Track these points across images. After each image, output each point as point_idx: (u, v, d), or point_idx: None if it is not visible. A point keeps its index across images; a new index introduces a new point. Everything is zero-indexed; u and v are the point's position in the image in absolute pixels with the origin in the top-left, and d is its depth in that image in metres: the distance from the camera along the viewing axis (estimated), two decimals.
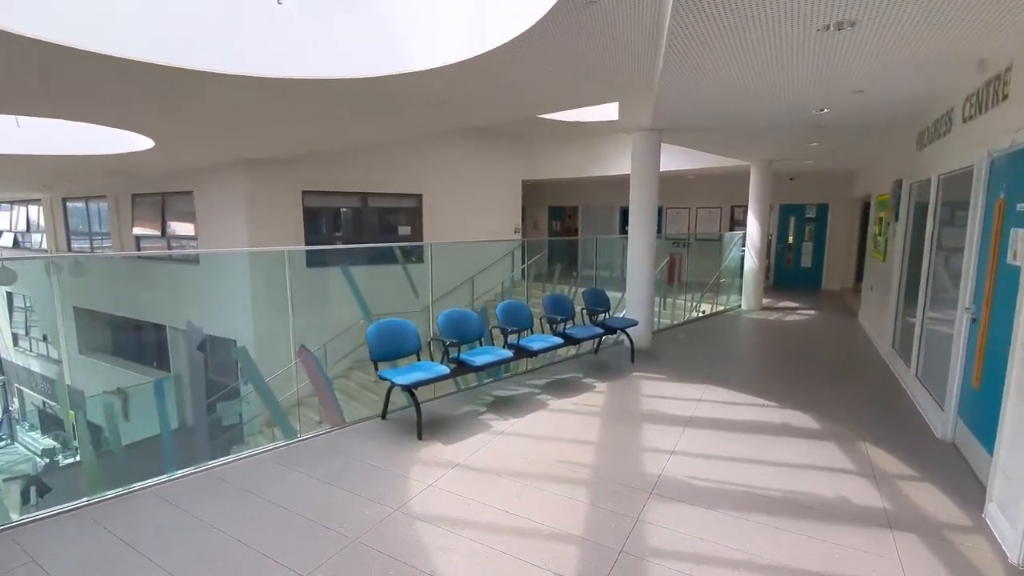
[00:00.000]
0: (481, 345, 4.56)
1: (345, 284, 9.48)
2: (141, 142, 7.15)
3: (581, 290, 6.08)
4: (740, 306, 9.59)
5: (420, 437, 3.71)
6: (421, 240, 10.71)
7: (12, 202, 15.42)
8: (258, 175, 8.96)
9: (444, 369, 3.87)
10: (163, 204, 10.71)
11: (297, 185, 9.36)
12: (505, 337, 4.70)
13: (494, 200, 11.59)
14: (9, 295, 16.54)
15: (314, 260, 9.68)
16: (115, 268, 12.04)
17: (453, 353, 4.21)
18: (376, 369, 3.94)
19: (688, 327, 8.12)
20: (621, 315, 6.19)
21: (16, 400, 17.62)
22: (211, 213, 9.62)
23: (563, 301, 5.52)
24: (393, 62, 4.42)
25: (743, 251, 9.63)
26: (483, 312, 6.01)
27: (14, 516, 2.92)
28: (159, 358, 12.30)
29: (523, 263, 12.14)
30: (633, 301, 6.13)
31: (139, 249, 11.51)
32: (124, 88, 4.21)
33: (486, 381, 5.06)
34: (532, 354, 4.60)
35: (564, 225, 15.38)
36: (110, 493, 2.98)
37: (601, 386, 4.93)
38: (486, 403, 4.48)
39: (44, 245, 14.36)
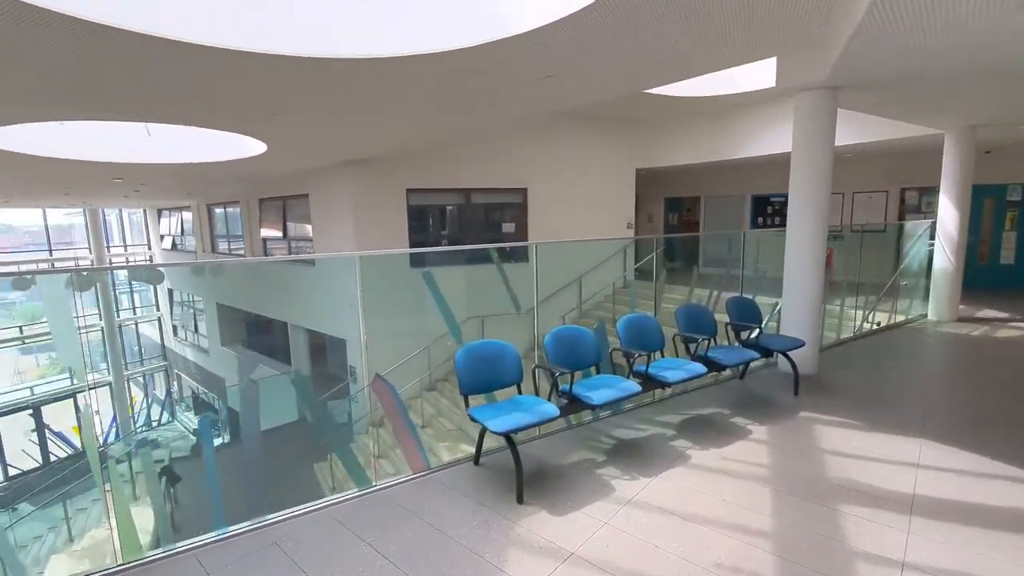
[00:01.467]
0: (598, 372, 3.63)
1: (435, 288, 9.05)
2: (255, 147, 7.20)
3: (726, 296, 4.82)
4: (927, 316, 7.53)
5: (520, 500, 2.89)
6: (526, 237, 9.97)
7: (171, 209, 17.41)
8: (363, 175, 8.81)
9: (552, 410, 3.01)
10: (284, 207, 11.14)
11: (401, 183, 9.09)
12: (629, 363, 3.72)
13: (605, 192, 10.50)
14: (170, 291, 18.81)
15: (419, 261, 9.39)
16: (248, 268, 12.90)
17: (564, 384, 3.34)
18: (466, 405, 3.18)
19: (861, 344, 6.39)
20: (766, 326, 4.85)
21: (176, 383, 20.09)
22: (323, 215, 9.72)
23: (702, 315, 4.36)
24: (494, 28, 3.65)
25: (931, 245, 7.54)
26: (600, 330, 5.00)
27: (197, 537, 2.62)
28: (283, 353, 13.03)
29: (636, 262, 10.92)
30: (792, 312, 4.75)
31: (266, 250, 12.16)
32: (240, 86, 3.90)
33: (603, 415, 4.11)
34: (665, 386, 3.58)
35: (682, 218, 13.76)
36: None
37: (758, 430, 3.73)
38: (604, 448, 3.54)
39: (194, 247, 15.96)
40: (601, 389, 3.27)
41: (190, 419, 18.64)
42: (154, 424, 19.85)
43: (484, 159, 9.51)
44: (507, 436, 2.89)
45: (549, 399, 3.26)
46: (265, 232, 11.96)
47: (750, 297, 4.67)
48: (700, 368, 3.71)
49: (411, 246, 9.30)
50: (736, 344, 4.34)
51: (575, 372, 3.42)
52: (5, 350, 17.24)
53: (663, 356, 3.89)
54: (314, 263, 10.20)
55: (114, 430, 19.07)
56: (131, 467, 10.51)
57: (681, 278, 10.72)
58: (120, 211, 19.64)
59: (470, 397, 3.19)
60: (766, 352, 4.22)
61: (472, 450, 3.42)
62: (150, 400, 20.96)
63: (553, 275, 10.11)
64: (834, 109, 4.28)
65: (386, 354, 9.26)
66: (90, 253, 18.19)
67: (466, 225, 9.75)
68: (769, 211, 11.41)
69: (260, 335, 14.98)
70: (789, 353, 4.23)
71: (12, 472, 16.40)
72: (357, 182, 8.81)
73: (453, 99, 4.84)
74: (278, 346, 13.51)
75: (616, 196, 10.60)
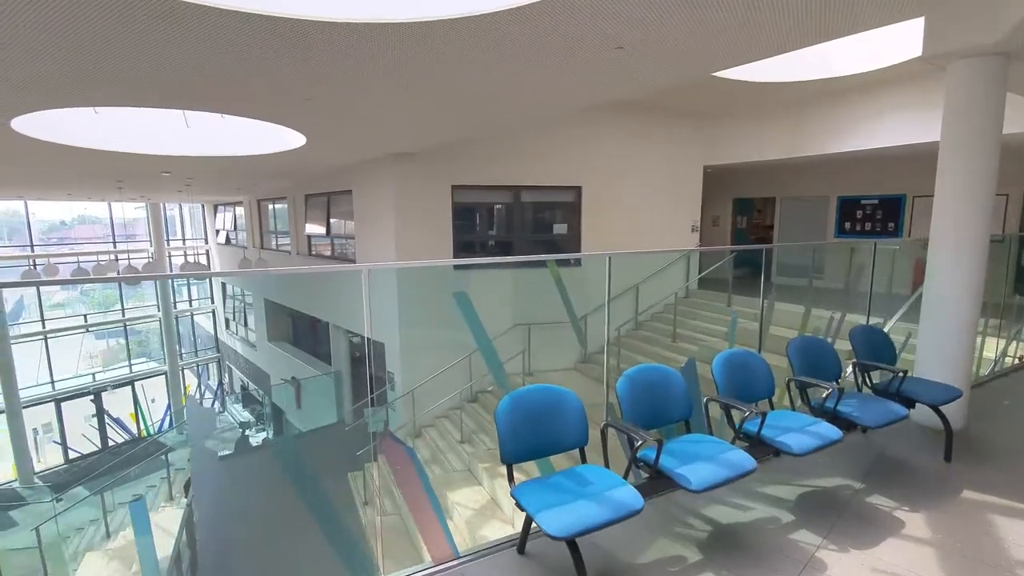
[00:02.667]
0: (688, 431, 2.70)
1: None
2: (294, 139, 6.79)
3: (855, 322, 3.80)
4: None
5: None
6: (579, 239, 9.17)
7: (226, 204, 17.69)
8: (407, 170, 8.28)
9: (633, 500, 2.08)
10: (328, 203, 10.83)
11: (446, 180, 8.50)
12: (732, 420, 2.76)
13: (667, 191, 9.53)
14: (223, 284, 19.17)
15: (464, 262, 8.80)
16: (292, 264, 12.75)
17: (645, 450, 2.40)
18: (509, 479, 2.32)
19: (1007, 384, 5.01)
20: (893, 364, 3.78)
21: (227, 375, 20.50)
22: (366, 211, 9.28)
23: (822, 351, 3.30)
24: None
25: None
26: (689, 369, 4.00)
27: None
28: (324, 352, 12.81)
29: (700, 270, 9.88)
30: (934, 347, 3.69)
31: (310, 247, 11.92)
32: (270, 62, 3.37)
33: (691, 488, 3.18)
34: (782, 454, 2.63)
35: (752, 221, 12.53)
36: None
37: (910, 520, 2.69)
38: (696, 538, 2.61)
39: (245, 241, 16.09)
40: (699, 463, 2.33)
41: (238, 411, 18.93)
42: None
43: (536, 155, 8.78)
44: (571, 542, 2.07)
45: (627, 473, 2.40)
46: (310, 228, 11.72)
47: (877, 328, 3.65)
48: (834, 433, 2.64)
49: (455, 247, 8.70)
50: (866, 390, 3.33)
51: (658, 429, 2.52)
52: (74, 335, 18.02)
53: (770, 405, 2.96)
54: (355, 261, 9.79)
55: (168, 418, 19.65)
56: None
57: (749, 287, 9.62)
58: (180, 206, 20.23)
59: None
60: (908, 402, 3.17)
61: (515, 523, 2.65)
62: (203, 390, 21.54)
63: (601, 281, 9.25)
64: (1003, 83, 3.25)
65: (425, 362, 8.73)
66: (150, 246, 18.79)
67: (514, 225, 9.05)
68: (859, 215, 10.07)
69: (305, 333, 14.88)
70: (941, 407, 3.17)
71: (72, 456, 17.09)
72: (400, 177, 8.28)
73: (505, 78, 4.14)
74: (321, 345, 13.32)
75: (680, 196, 9.61)
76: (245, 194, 14.79)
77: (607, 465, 2.43)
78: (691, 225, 9.70)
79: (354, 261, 9.81)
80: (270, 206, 14.04)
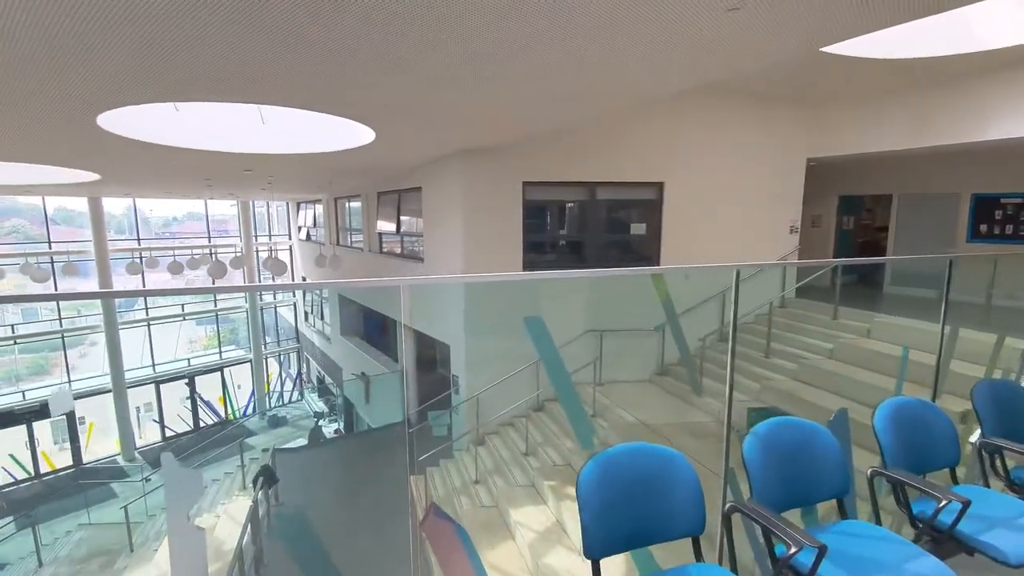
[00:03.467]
0: (843, 514, 1.90)
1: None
2: (364, 134, 6.62)
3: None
4: None
5: None
6: (659, 240, 8.40)
7: (307, 202, 18.39)
8: (476, 166, 7.92)
9: None
10: (399, 201, 10.76)
11: (517, 176, 8.06)
12: (905, 505, 1.93)
13: (762, 187, 8.50)
14: (303, 278, 19.99)
15: (534, 263, 8.33)
16: (363, 261, 12.90)
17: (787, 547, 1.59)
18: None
19: None
20: None
21: (305, 366, 21.41)
22: (434, 208, 9.06)
23: (1019, 401, 2.34)
24: None
25: None
26: (839, 425, 2.93)
27: None
28: (393, 348, 12.86)
29: (798, 278, 8.75)
30: None
31: (381, 245, 11.96)
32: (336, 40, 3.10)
33: None
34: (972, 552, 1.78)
35: (861, 222, 11.06)
36: None
37: None
38: None
39: (323, 238, 16.60)
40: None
41: (314, 401, 19.69)
42: (284, 402, 21.36)
43: (614, 149, 8.12)
44: None
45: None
46: (381, 226, 11.74)
47: None
48: None
49: (525, 247, 8.24)
50: None
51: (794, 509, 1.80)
52: (172, 323, 19.52)
53: (953, 477, 2.14)
54: (423, 260, 9.62)
55: (252, 404, 20.83)
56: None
57: (857, 298, 8.38)
58: (267, 204, 21.35)
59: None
60: None
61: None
62: (283, 378, 22.67)
63: (687, 286, 8.43)
64: None
65: (491, 366, 8.36)
66: (240, 242, 19.96)
67: (588, 224, 8.45)
68: (998, 216, 8.51)
69: (374, 329, 15.10)
70: None
71: (168, 434, 18.49)
72: (468, 173, 7.95)
73: (598, 62, 3.59)
74: (390, 342, 13.41)
75: (777, 192, 8.55)
76: (323, 192, 15.21)
77: (733, 568, 1.74)
78: (790, 226, 8.61)
79: (423, 259, 9.64)
80: (346, 204, 14.33)
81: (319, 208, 16.96)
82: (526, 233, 8.22)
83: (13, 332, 16.49)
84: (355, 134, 6.88)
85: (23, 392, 15.66)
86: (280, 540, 7.13)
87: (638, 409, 7.24)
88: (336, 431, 16.14)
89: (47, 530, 11.63)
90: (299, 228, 19.47)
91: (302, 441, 15.20)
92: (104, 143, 6.16)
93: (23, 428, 15.24)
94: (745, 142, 8.35)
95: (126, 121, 5.66)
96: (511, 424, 8.53)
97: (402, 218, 10.72)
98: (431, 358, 13.12)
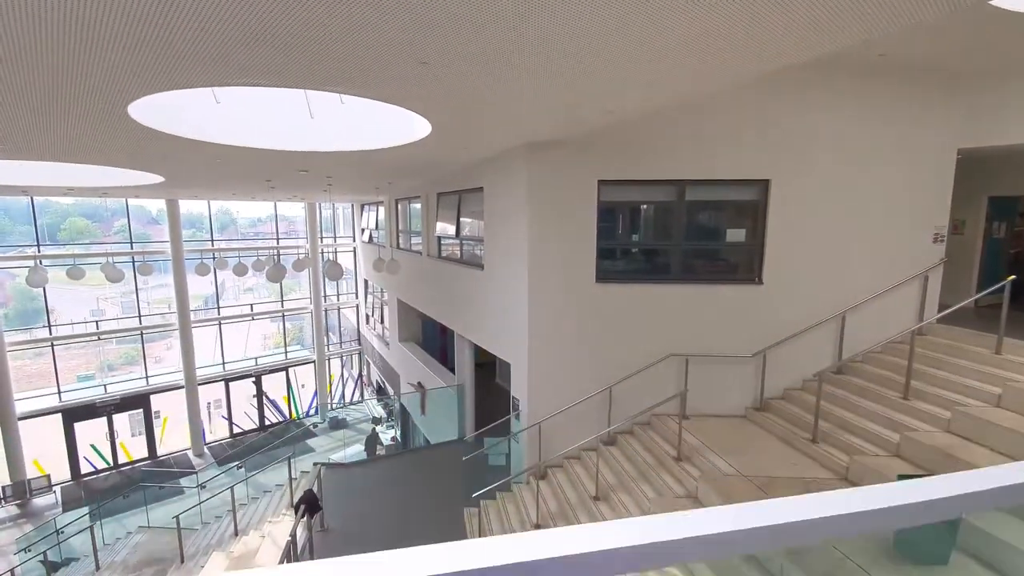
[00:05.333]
0: None
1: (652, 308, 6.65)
2: (420, 127, 5.82)
3: None
4: None
5: None
6: (762, 246, 7.02)
7: (371, 204, 18.18)
8: (544, 163, 6.93)
9: None
10: (459, 202, 9.98)
11: (592, 174, 6.99)
12: None
13: (899, 184, 6.88)
14: (365, 282, 19.86)
15: (607, 274, 7.21)
16: (421, 267, 12.27)
17: None
18: None
19: None
20: None
21: (366, 368, 21.30)
22: (496, 210, 8.16)
23: None
24: None
25: None
26: None
27: None
28: (451, 359, 12.13)
29: (939, 301, 7.05)
30: None
31: (440, 248, 11.26)
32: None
33: None
34: None
35: (1015, 228, 9.00)
36: None
37: None
38: None
39: (384, 240, 16.24)
40: None
41: (373, 405, 19.48)
42: (345, 403, 21.37)
43: (708, 141, 6.86)
44: None
45: None
46: (440, 227, 11.03)
47: None
48: None
49: (599, 253, 7.15)
50: None
51: None
52: (239, 322, 19.99)
53: None
54: (483, 266, 8.75)
55: (314, 404, 20.97)
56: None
57: (1018, 325, 6.55)
58: (333, 205, 21.47)
59: None
60: None
61: None
62: (344, 379, 22.76)
63: (796, 304, 6.99)
64: None
65: (557, 388, 7.33)
66: (306, 242, 20.13)
67: (673, 230, 7.21)
68: None
69: (432, 337, 14.48)
70: None
71: (236, 431, 18.88)
72: (535, 170, 6.97)
73: (690, 41, 2.50)
74: (448, 352, 12.71)
75: (917, 192, 6.90)
76: (384, 194, 14.80)
77: None
78: (934, 234, 6.92)
79: (482, 266, 8.77)
80: (407, 206, 13.80)
81: (381, 210, 16.64)
82: (600, 239, 7.12)
83: (97, 328, 17.40)
84: (410, 127, 6.11)
85: (104, 386, 16.41)
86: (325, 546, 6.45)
87: (735, 455, 5.94)
88: (393, 439, 15.69)
89: (117, 523, 11.87)
90: (362, 230, 19.35)
91: (358, 447, 14.85)
92: (149, 142, 5.75)
93: (103, 421, 15.93)
94: (877, 129, 6.79)
95: (167, 115, 5.19)
96: (577, 457, 7.46)
97: (462, 220, 9.92)
98: (490, 374, 12.25)
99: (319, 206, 20.30)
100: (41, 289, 13.98)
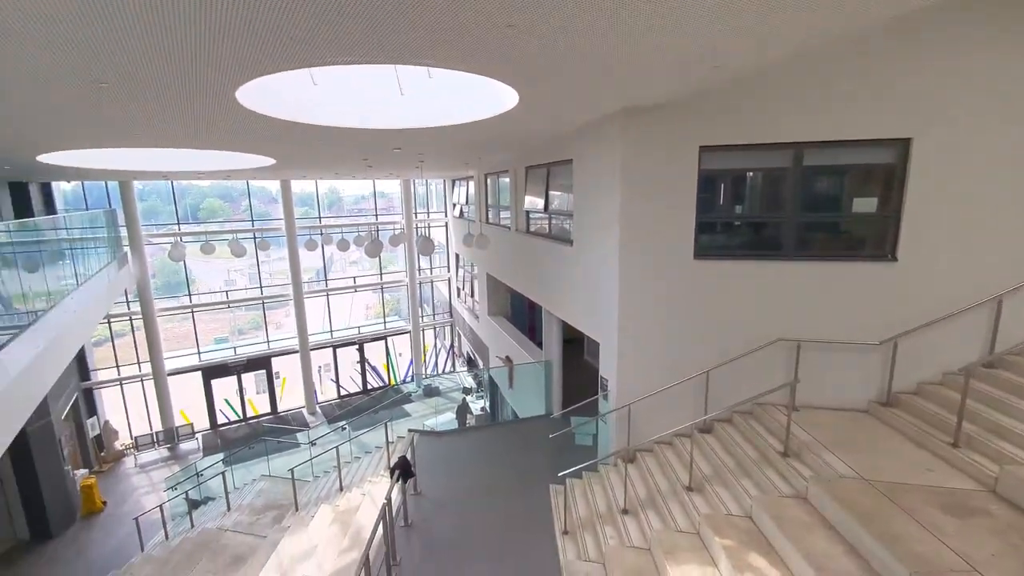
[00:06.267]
0: None
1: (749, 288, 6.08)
2: (508, 98, 5.64)
3: None
4: None
5: None
6: (898, 219, 6.06)
7: (462, 179, 18.43)
8: (639, 128, 6.45)
9: None
10: (548, 175, 9.73)
11: (692, 139, 6.39)
12: None
13: None
14: (456, 256, 20.35)
15: (707, 249, 6.64)
16: (510, 242, 12.23)
17: None
18: None
19: None
20: None
21: (457, 340, 22.02)
22: (586, 183, 7.82)
23: None
24: None
25: None
26: None
27: None
28: (538, 334, 12.09)
29: None
30: None
31: (528, 223, 11.12)
32: None
33: None
34: None
35: None
36: None
37: None
38: None
39: (474, 215, 16.43)
40: None
41: (464, 376, 20.15)
42: (438, 372, 22.33)
43: (830, 93, 5.96)
44: None
45: None
46: (529, 202, 10.86)
47: None
48: None
49: (698, 227, 6.59)
50: None
51: None
52: (344, 295, 21.45)
53: None
54: (572, 242, 8.48)
55: (410, 372, 22.15)
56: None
57: None
58: (426, 181, 22.09)
59: None
60: None
61: None
62: (438, 349, 23.75)
63: (930, 286, 5.99)
64: None
65: (649, 370, 6.98)
66: (402, 218, 20.97)
67: (786, 200, 6.44)
68: None
69: (520, 312, 14.53)
70: None
71: (343, 393, 20.48)
72: (629, 139, 6.51)
73: None
74: (536, 327, 12.68)
75: None
76: (473, 168, 14.87)
77: None
78: None
79: (571, 242, 8.51)
80: (496, 180, 13.78)
81: (471, 185, 16.80)
82: (699, 211, 6.55)
83: (227, 297, 19.53)
84: (497, 100, 5.95)
85: (234, 348, 18.48)
86: (417, 535, 6.80)
87: (854, 454, 5.29)
88: (482, 409, 16.14)
89: (245, 470, 13.43)
90: (453, 205, 19.73)
91: (450, 415, 15.48)
92: (254, 124, 6.13)
93: (233, 379, 18.00)
94: None
95: (269, 99, 5.48)
96: (669, 443, 7.11)
97: (551, 193, 9.67)
98: (578, 351, 12.05)
99: (413, 183, 20.98)
100: (182, 262, 15.90)
